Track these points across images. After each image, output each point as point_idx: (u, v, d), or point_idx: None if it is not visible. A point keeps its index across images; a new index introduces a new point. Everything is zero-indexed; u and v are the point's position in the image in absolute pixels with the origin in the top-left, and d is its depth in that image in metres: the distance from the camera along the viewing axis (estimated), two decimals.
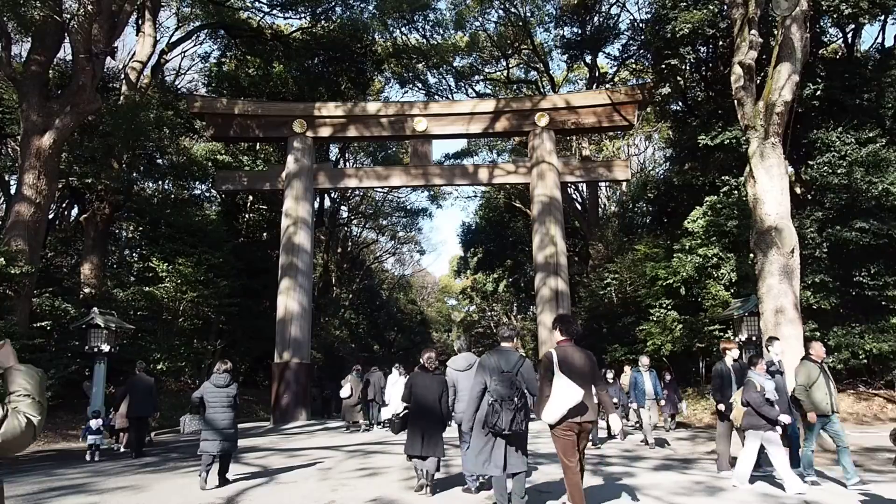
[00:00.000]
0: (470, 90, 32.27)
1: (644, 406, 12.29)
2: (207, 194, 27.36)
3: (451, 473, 8.47)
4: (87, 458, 11.35)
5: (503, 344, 6.13)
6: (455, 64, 31.39)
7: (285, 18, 29.60)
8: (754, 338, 13.75)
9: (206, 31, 28.19)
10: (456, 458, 9.16)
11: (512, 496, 5.82)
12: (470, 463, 6.21)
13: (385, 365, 21.93)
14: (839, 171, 16.23)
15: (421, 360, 7.67)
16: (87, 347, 15.12)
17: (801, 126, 16.55)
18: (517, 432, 5.63)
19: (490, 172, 22.10)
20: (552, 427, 5.59)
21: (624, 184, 30.21)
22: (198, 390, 8.50)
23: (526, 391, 5.75)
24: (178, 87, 29.74)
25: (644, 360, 12.96)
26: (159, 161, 23.76)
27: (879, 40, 22.38)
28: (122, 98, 21.36)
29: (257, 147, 28.31)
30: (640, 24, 25.01)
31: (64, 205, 24.81)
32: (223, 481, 8.17)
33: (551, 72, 31.20)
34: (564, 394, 5.43)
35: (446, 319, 62.57)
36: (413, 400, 7.28)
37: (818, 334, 15.91)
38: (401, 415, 7.79)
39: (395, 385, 13.93)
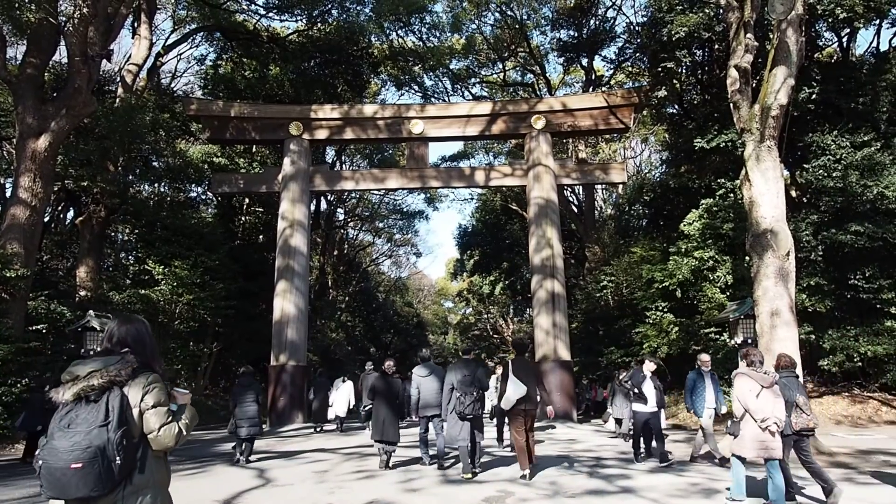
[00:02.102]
0: (466, 93, 32.35)
1: (701, 415, 9.85)
2: (203, 197, 27.32)
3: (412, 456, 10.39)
4: None
5: (464, 356, 9.24)
6: (451, 66, 31.45)
7: (281, 21, 29.62)
8: (750, 340, 13.78)
9: (202, 33, 28.17)
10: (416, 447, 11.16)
11: (474, 456, 8.71)
12: (448, 437, 8.76)
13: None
14: (834, 175, 16.29)
15: (383, 367, 10.46)
16: (83, 350, 15.02)
17: (796, 129, 16.61)
18: (476, 416, 8.53)
19: (486, 175, 22.13)
20: (508, 412, 8.41)
21: (620, 186, 30.28)
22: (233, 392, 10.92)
23: (481, 388, 8.57)
24: (175, 89, 29.73)
25: (704, 358, 10.28)
26: (155, 164, 23.71)
27: (874, 44, 22.57)
28: (117, 101, 21.30)
29: (254, 149, 28.28)
30: (637, 28, 25.09)
31: (60, 208, 24.75)
32: (248, 460, 10.41)
33: (548, 75, 31.25)
34: (514, 389, 8.12)
35: (443, 322, 62.54)
36: (375, 398, 9.72)
37: (813, 337, 15.99)
38: (365, 409, 11.10)
39: (340, 390, 16.97)
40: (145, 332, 2.96)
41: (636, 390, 9.97)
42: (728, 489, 7.00)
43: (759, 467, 7.07)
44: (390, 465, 9.54)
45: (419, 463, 9.84)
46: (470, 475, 8.45)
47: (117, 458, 2.56)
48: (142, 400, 2.72)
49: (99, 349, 2.96)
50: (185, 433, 2.79)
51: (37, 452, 2.58)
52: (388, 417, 9.42)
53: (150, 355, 2.91)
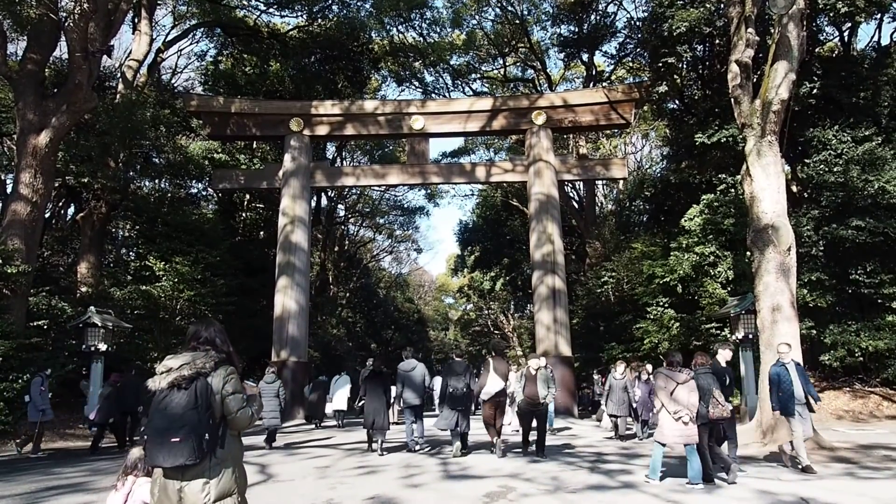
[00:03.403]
0: (467, 88, 32.26)
1: (794, 414, 8.56)
2: (204, 193, 27.29)
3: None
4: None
5: (455, 358, 10.94)
6: (452, 62, 31.37)
7: (282, 17, 29.58)
8: (751, 336, 13.78)
9: (202, 29, 28.11)
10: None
11: (461, 441, 10.34)
12: (442, 424, 10.26)
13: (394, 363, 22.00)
14: (835, 170, 16.27)
15: (371, 367, 12.40)
16: (84, 346, 15.09)
17: (797, 124, 16.58)
18: (467, 408, 10.34)
19: (487, 170, 22.11)
20: (484, 402, 10.16)
21: (621, 182, 30.23)
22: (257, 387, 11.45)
23: (468, 384, 10.20)
24: (175, 85, 29.70)
25: (783, 348, 9.13)
26: (156, 160, 23.68)
27: (875, 38, 22.52)
28: (118, 97, 21.28)
29: (254, 145, 28.27)
30: (637, 23, 25.05)
31: (60, 204, 24.75)
32: (271, 446, 11.81)
33: (548, 70, 31.19)
34: (492, 383, 10.02)
35: (443, 318, 62.52)
36: (367, 392, 11.13)
37: (814, 332, 15.99)
38: (359, 403, 12.60)
39: (339, 386, 17.46)
40: (223, 332, 3.51)
41: (713, 390, 7.98)
42: (646, 477, 7.85)
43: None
44: (381, 450, 10.78)
45: (405, 449, 11.11)
46: (460, 454, 10.18)
47: (206, 434, 3.11)
48: (223, 388, 3.26)
49: (186, 347, 3.47)
50: (255, 417, 3.34)
51: (140, 430, 3.42)
52: (379, 408, 10.80)
53: (228, 351, 3.44)
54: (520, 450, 10.59)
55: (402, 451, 11.02)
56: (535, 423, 10.33)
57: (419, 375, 10.97)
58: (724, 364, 8.72)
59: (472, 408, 11.79)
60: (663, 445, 7.64)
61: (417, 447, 11.13)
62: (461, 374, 10.25)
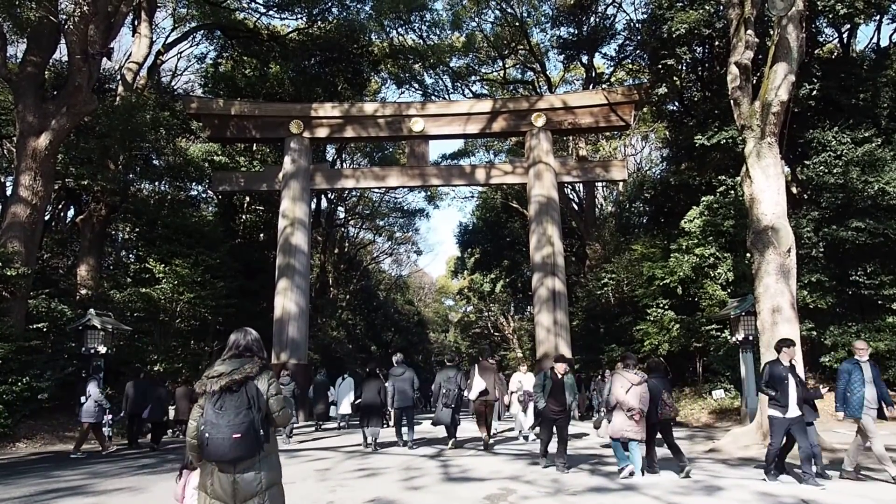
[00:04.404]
0: (467, 90, 32.29)
1: (861, 417, 7.70)
2: (204, 195, 27.27)
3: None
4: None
5: (448, 363, 12.23)
6: (452, 64, 31.39)
7: (282, 19, 29.57)
8: (751, 337, 13.77)
9: (202, 31, 28.11)
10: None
11: (453, 432, 11.81)
12: (437, 420, 11.74)
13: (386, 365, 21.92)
14: (835, 171, 16.27)
15: (367, 369, 13.26)
16: (83, 349, 15.07)
17: (797, 126, 16.59)
18: (457, 406, 11.64)
19: (487, 173, 22.11)
20: (473, 401, 11.83)
21: (621, 184, 30.22)
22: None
23: (459, 386, 11.46)
24: (175, 87, 29.69)
25: (860, 345, 8.31)
26: (156, 162, 23.68)
27: (875, 40, 22.55)
28: (118, 99, 21.27)
29: (254, 148, 28.25)
30: (637, 25, 25.07)
31: (60, 206, 24.73)
32: (289, 441, 13.13)
33: (548, 72, 31.19)
34: (478, 384, 11.69)
35: (443, 320, 62.51)
36: (363, 394, 12.25)
37: (814, 333, 15.98)
38: (356, 403, 14.15)
39: (342, 388, 17.31)
40: (258, 340, 3.92)
41: (772, 392, 7.62)
42: (621, 471, 8.25)
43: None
44: (375, 446, 11.93)
45: (396, 445, 12.25)
46: (453, 447, 11.64)
47: (261, 430, 3.52)
48: (267, 390, 3.69)
49: (229, 354, 3.83)
50: (292, 416, 4.47)
51: (199, 426, 3.52)
52: (374, 408, 12.05)
53: (264, 357, 3.87)
54: (537, 458, 9.79)
55: (396, 447, 12.00)
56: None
57: (408, 380, 12.01)
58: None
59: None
60: (616, 440, 8.32)
61: (410, 444, 12.07)
62: (452, 377, 11.56)
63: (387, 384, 12.08)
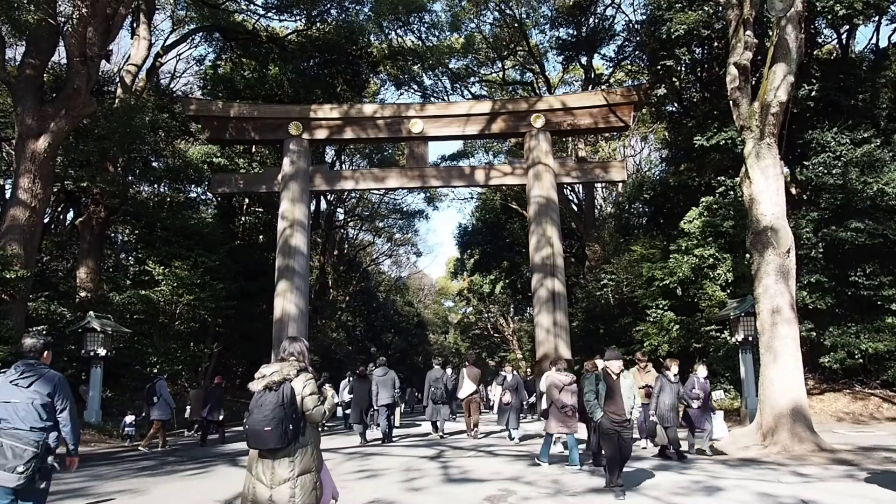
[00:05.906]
0: (466, 92, 32.29)
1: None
2: (203, 197, 27.29)
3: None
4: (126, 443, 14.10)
5: (435, 366, 14.55)
6: (451, 66, 31.37)
7: (280, 21, 29.58)
8: (751, 338, 13.78)
9: (201, 33, 28.11)
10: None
11: (439, 427, 14.25)
12: (427, 415, 14.44)
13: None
14: (834, 172, 16.28)
15: (357, 371, 15.38)
16: (83, 351, 15.07)
17: (796, 126, 16.60)
18: (444, 403, 14.11)
19: (486, 174, 22.10)
20: (462, 399, 14.23)
21: (620, 185, 30.23)
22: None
23: (446, 385, 13.96)
24: (174, 89, 29.69)
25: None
26: (155, 164, 23.68)
27: (874, 41, 22.53)
28: (117, 101, 21.25)
29: (253, 149, 28.23)
30: (636, 26, 25.07)
31: (59, 208, 24.72)
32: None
33: (547, 73, 31.20)
34: (466, 387, 13.95)
35: (443, 321, 62.53)
36: (354, 393, 14.13)
37: (814, 334, 15.99)
38: (346, 401, 16.12)
39: (348, 391, 18.17)
40: (305, 347, 4.49)
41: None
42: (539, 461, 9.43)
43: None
44: (365, 439, 13.49)
45: (382, 441, 13.53)
46: (440, 437, 13.88)
47: (290, 425, 4.02)
48: (303, 390, 4.18)
49: (277, 358, 4.46)
50: (328, 413, 4.35)
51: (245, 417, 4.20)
52: (363, 407, 13.67)
53: (305, 362, 4.42)
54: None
55: (396, 448, 12.82)
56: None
57: (389, 380, 13.47)
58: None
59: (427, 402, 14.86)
60: (550, 436, 9.51)
61: (393, 438, 13.83)
62: (440, 378, 13.70)
63: (371, 384, 13.52)
